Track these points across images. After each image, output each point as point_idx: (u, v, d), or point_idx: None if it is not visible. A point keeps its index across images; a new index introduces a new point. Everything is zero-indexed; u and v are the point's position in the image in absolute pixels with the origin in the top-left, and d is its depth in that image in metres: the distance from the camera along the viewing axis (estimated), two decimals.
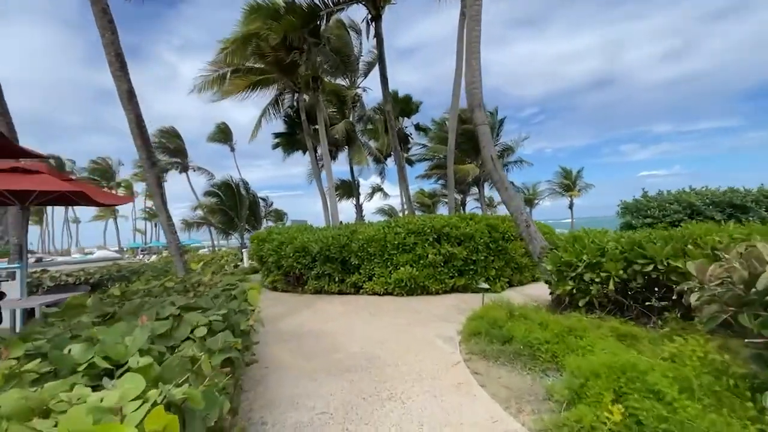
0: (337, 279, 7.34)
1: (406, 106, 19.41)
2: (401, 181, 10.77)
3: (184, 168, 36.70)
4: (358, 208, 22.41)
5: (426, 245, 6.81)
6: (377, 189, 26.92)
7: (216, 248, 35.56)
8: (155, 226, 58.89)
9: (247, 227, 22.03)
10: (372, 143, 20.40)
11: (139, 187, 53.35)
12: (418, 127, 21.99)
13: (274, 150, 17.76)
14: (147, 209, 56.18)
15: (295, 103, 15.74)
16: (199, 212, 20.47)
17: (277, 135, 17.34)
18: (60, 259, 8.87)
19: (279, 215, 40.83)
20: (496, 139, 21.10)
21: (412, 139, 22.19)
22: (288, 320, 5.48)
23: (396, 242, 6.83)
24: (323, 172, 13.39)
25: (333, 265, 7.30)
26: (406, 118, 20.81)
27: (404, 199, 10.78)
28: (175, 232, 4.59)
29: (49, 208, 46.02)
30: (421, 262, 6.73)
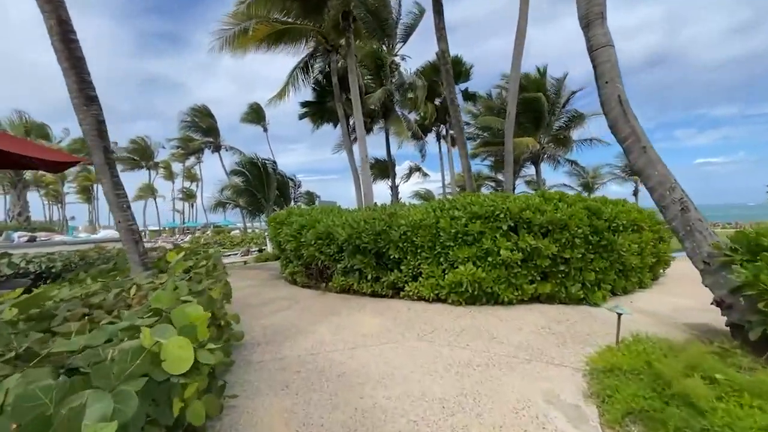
0: (370, 276, 5.62)
1: (454, 69, 16.93)
2: (460, 146, 8.62)
3: (217, 147, 36.73)
4: (394, 189, 20.56)
5: (497, 236, 4.86)
6: (415, 169, 24.84)
7: (247, 230, 35.47)
8: (191, 206, 60.90)
9: (275, 208, 20.99)
10: (412, 116, 18.27)
11: (177, 167, 55.07)
12: (467, 95, 19.14)
13: (300, 120, 16.25)
14: (184, 189, 58.03)
15: (326, 67, 13.99)
16: (226, 192, 19.60)
17: (304, 104, 15.74)
18: (58, 238, 8.06)
19: (311, 197, 40.10)
20: (563, 111, 18.05)
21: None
22: (299, 339, 3.84)
23: (453, 230, 4.94)
24: (355, 145, 11.67)
25: (365, 258, 5.57)
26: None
27: (461, 171, 8.54)
28: (127, 209, 3.03)
29: (95, 187, 48.45)
30: (490, 259, 4.81)
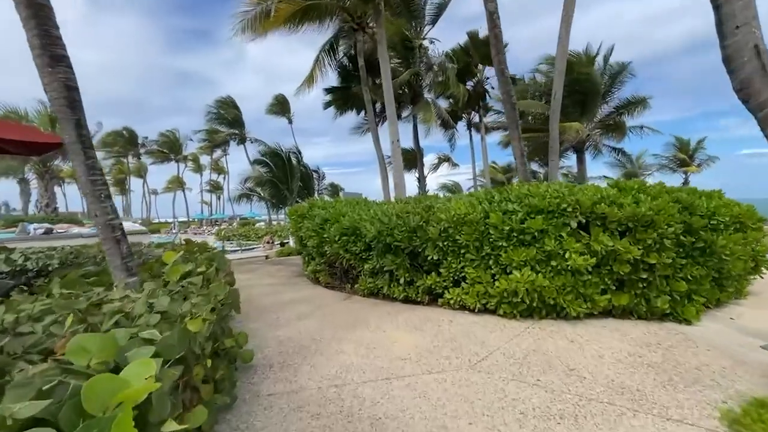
0: (402, 280, 4.85)
1: (488, 49, 15.60)
2: (512, 127, 7.43)
3: (242, 139, 36.98)
4: (421, 181, 19.62)
5: (563, 235, 3.95)
6: (444, 159, 23.70)
7: (272, 222, 35.64)
8: (218, 198, 62.32)
9: (298, 200, 20.62)
10: (441, 102, 17.17)
11: (205, 160, 56.36)
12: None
13: (326, 110, 15.58)
14: (211, 182, 59.40)
15: (351, 50, 13.19)
16: (249, 183, 19.39)
17: (329, 90, 15.03)
18: (75, 230, 7.85)
19: (334, 190, 39.78)
20: (613, 94, 16.29)
21: (491, 95, 18.39)
22: (320, 362, 3.14)
23: (506, 228, 4.07)
24: (382, 131, 10.84)
25: (397, 258, 4.80)
26: (487, 67, 17.01)
27: (515, 155, 7.30)
28: (106, 200, 2.39)
29: (129, 179, 50.31)
30: (554, 263, 3.91)
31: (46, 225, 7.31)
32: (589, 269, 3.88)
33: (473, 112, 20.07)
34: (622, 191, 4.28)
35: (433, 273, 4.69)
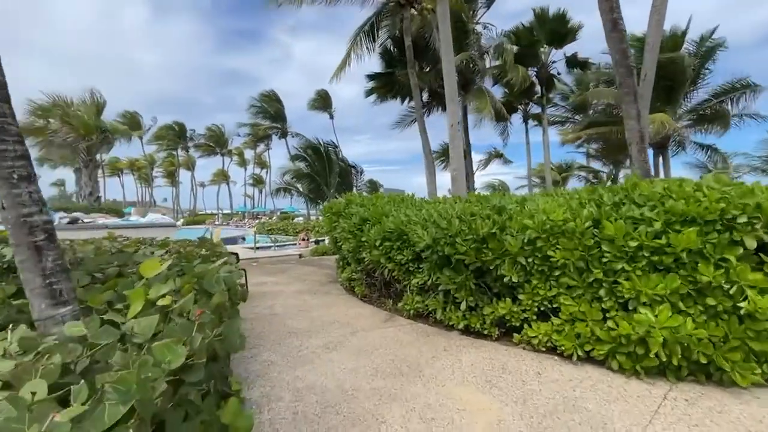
0: (464, 304, 3.68)
1: (557, 27, 13.78)
2: (625, 90, 5.66)
3: (283, 133, 37.31)
4: (469, 178, 18.07)
5: (731, 258, 2.56)
6: (496, 155, 21.88)
7: (311, 217, 35.66)
8: (260, 192, 64.14)
9: (336, 196, 19.97)
10: (496, 91, 15.50)
11: (249, 154, 58.15)
12: (573, 62, 15.34)
13: (367, 97, 14.61)
14: (254, 176, 61.21)
15: (395, 31, 12.07)
16: (287, 177, 19.01)
17: (371, 77, 14.01)
18: (101, 221, 7.54)
19: (373, 186, 39.06)
20: (705, 78, 13.67)
21: (559, 80, 16.35)
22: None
23: (633, 243, 2.76)
24: (429, 120, 9.57)
25: (458, 274, 3.64)
26: (554, 49, 15.07)
27: (632, 138, 5.41)
28: (20, 183, 1.49)
29: (179, 171, 53.05)
30: (711, 302, 2.55)
31: (71, 215, 6.99)
32: None
33: (531, 103, 18.12)
34: None
35: (507, 299, 3.48)
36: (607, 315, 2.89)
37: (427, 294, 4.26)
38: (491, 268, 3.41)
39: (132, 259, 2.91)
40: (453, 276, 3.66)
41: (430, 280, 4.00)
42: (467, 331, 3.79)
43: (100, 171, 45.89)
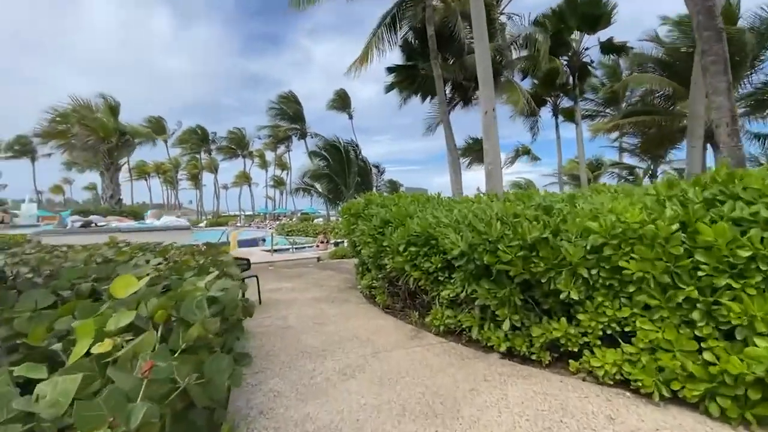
0: (507, 323, 3.08)
1: (590, 10, 12.76)
2: (713, 60, 4.74)
3: (303, 134, 37.38)
4: None
5: None
6: (524, 151, 20.83)
7: (330, 217, 35.54)
8: (281, 193, 64.81)
9: (356, 196, 19.57)
10: (524, 84, 14.61)
11: (270, 156, 58.88)
12: (609, 47, 13.95)
13: (387, 92, 14.08)
14: (275, 177, 61.92)
15: (416, 22, 11.49)
16: (306, 178, 18.75)
17: (392, 69, 13.44)
18: (114, 224, 7.37)
19: (393, 186, 38.54)
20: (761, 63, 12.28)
21: (594, 68, 15.23)
22: None
23: (745, 253, 2.09)
24: (455, 115, 8.95)
25: (500, 287, 3.05)
26: (586, 35, 14.03)
27: (721, 120, 4.46)
28: None
29: (202, 174, 54.30)
30: None
31: (84, 218, 6.83)
32: None
33: (561, 95, 17.07)
34: None
35: (561, 318, 2.87)
36: (703, 345, 2.24)
37: (460, 308, 3.69)
38: (542, 281, 2.80)
39: (116, 270, 2.49)
40: (494, 289, 3.07)
41: (464, 293, 3.42)
42: (510, 354, 3.20)
43: (127, 174, 47.65)
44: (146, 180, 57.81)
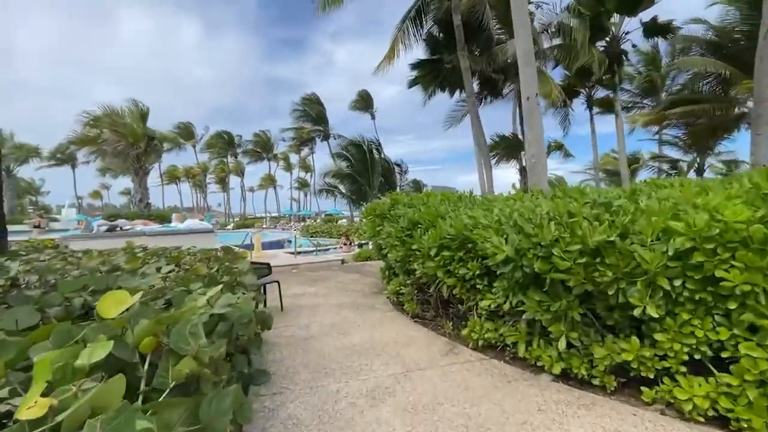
0: (563, 342, 2.63)
1: None
2: None
3: (326, 136, 37.57)
4: (525, 174, 16.41)
5: None
6: (556, 146, 19.85)
7: (354, 218, 35.50)
8: (306, 195, 65.59)
9: (379, 196, 19.27)
10: (554, 75, 13.79)
11: (294, 158, 59.74)
12: (653, 29, 12.60)
13: (410, 88, 13.67)
14: (299, 179, 62.75)
15: (441, 14, 11.02)
16: (328, 178, 18.63)
17: (415, 65, 13.02)
18: (138, 228, 7.39)
19: (417, 186, 38.02)
20: None
21: (628, 59, 14.24)
22: None
23: None
24: (483, 110, 8.38)
25: (554, 299, 2.61)
26: (627, 17, 13.02)
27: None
28: None
29: (229, 178, 55.74)
30: None
31: (110, 222, 6.86)
32: None
33: (596, 86, 16.02)
34: None
35: (631, 337, 2.39)
36: None
37: (502, 320, 3.26)
38: (609, 293, 2.33)
39: (118, 282, 2.25)
40: (546, 302, 2.63)
41: (508, 304, 2.99)
42: (564, 377, 2.74)
43: (159, 179, 49.60)
44: (177, 184, 60.04)
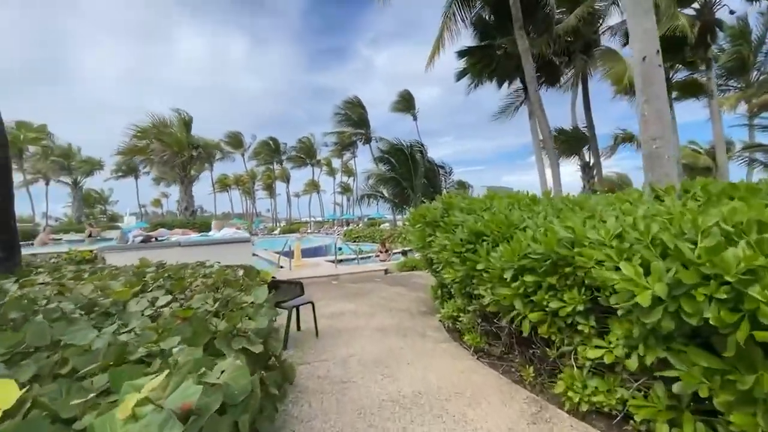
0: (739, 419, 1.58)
1: None
2: None
3: (367, 139, 37.30)
4: (590, 170, 14.55)
5: None
6: (625, 138, 17.64)
7: (397, 222, 34.72)
8: (348, 200, 66.13)
9: (423, 201, 18.31)
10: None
11: (336, 163, 60.50)
12: None
13: (458, 81, 12.61)
14: (342, 184, 63.42)
15: None
16: (371, 182, 18.02)
17: (462, 53, 11.92)
18: (174, 239, 7.14)
19: (462, 187, 36.45)
20: None
21: (722, 30, 12.03)
22: None
23: None
24: (545, 93, 7.15)
25: (751, 370, 1.56)
26: None
27: None
28: None
29: (275, 185, 57.67)
30: None
31: (146, 233, 6.66)
32: None
33: (676, 66, 13.80)
34: None
35: None
36: None
37: (617, 377, 2.26)
38: None
39: (65, 334, 1.61)
40: (721, 370, 1.61)
41: (635, 360, 1.99)
42: None
43: (210, 188, 52.44)
44: (228, 192, 63.28)
